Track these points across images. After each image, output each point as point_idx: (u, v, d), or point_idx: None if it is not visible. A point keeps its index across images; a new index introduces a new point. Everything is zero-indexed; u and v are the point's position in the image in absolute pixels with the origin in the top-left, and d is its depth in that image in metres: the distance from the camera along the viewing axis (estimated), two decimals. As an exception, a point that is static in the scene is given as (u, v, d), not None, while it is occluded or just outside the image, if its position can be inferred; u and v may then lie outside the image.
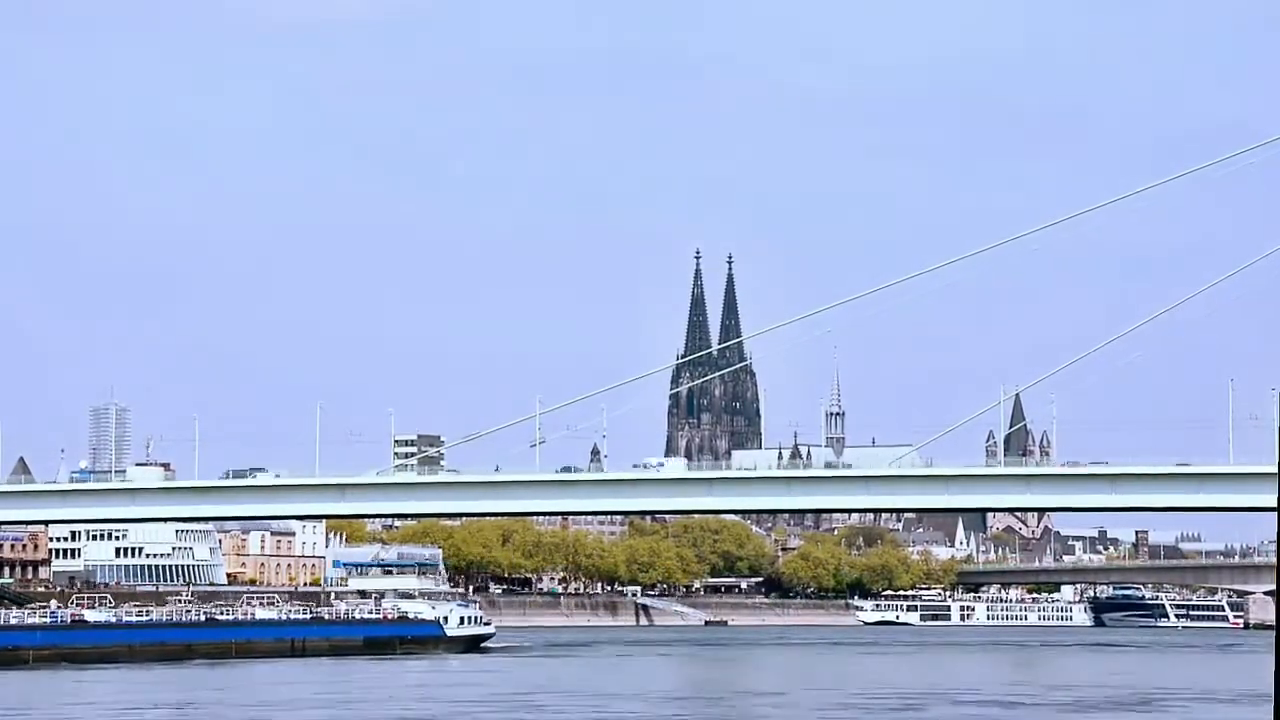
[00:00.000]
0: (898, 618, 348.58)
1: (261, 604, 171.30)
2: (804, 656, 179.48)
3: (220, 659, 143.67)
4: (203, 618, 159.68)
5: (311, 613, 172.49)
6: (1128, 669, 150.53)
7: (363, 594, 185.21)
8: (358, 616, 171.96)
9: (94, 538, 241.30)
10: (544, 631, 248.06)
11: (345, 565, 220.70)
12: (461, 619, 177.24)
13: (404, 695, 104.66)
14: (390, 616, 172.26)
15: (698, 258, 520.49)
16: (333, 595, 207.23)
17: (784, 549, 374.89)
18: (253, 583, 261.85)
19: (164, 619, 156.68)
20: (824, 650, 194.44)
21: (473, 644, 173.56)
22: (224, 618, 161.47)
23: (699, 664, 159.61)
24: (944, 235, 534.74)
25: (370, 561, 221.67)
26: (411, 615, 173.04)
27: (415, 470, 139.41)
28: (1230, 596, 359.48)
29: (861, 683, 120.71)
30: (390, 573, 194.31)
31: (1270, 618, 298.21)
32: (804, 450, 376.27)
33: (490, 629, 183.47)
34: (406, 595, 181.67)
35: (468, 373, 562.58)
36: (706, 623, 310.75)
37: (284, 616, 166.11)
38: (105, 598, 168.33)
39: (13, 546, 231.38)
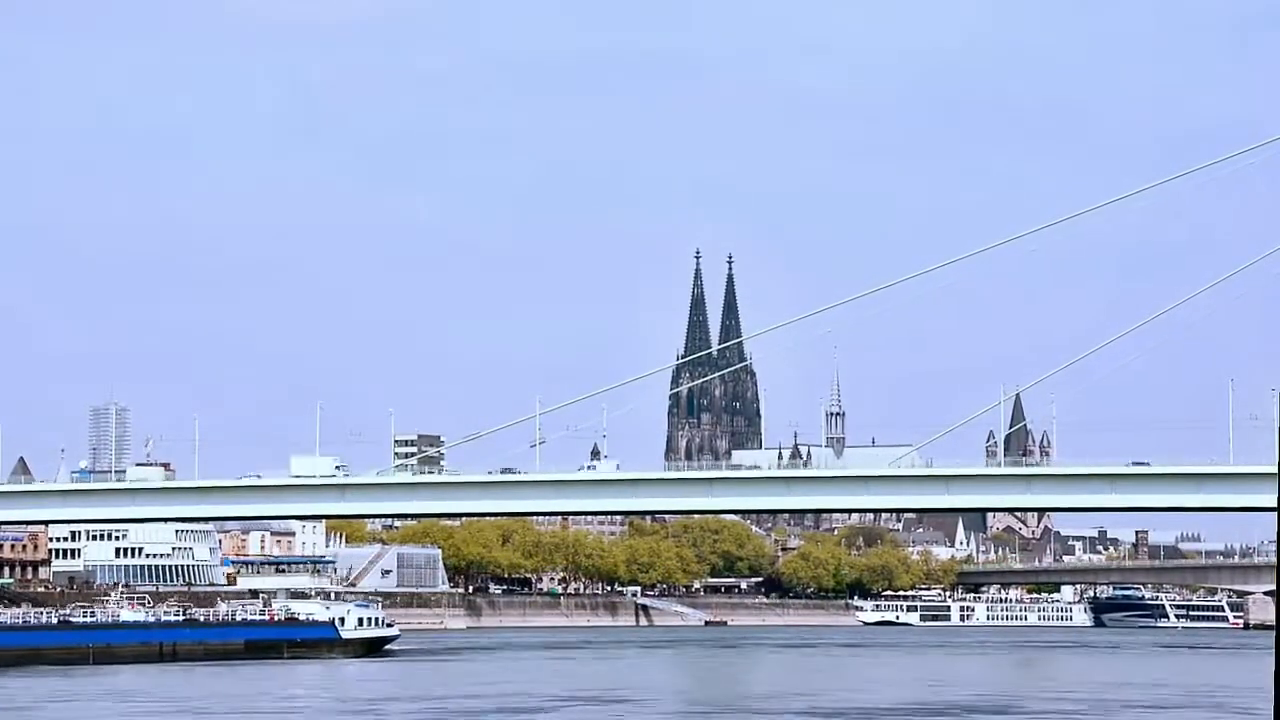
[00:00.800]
0: (898, 618, 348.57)
1: (130, 604, 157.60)
2: (805, 659, 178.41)
3: (74, 665, 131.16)
4: (55, 620, 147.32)
5: (185, 613, 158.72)
6: (1174, 669, 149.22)
7: (254, 594, 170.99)
8: (239, 618, 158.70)
9: (94, 538, 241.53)
10: (496, 633, 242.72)
11: (234, 563, 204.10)
12: (360, 620, 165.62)
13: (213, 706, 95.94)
14: (277, 617, 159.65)
15: (698, 258, 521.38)
16: (219, 596, 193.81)
17: (784, 549, 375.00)
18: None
19: (8, 622, 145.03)
20: (826, 652, 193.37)
21: (372, 647, 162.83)
22: (80, 620, 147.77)
23: (638, 669, 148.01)
24: (944, 235, 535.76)
25: (260, 559, 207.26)
26: (302, 616, 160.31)
27: (415, 470, 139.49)
28: (1230, 596, 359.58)
29: (922, 685, 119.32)
30: (283, 571, 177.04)
31: (1270, 618, 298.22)
32: (804, 450, 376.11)
33: (394, 631, 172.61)
34: (301, 595, 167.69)
35: (468, 373, 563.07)
36: (706, 623, 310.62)
37: (152, 618, 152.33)
38: None
39: (13, 546, 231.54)
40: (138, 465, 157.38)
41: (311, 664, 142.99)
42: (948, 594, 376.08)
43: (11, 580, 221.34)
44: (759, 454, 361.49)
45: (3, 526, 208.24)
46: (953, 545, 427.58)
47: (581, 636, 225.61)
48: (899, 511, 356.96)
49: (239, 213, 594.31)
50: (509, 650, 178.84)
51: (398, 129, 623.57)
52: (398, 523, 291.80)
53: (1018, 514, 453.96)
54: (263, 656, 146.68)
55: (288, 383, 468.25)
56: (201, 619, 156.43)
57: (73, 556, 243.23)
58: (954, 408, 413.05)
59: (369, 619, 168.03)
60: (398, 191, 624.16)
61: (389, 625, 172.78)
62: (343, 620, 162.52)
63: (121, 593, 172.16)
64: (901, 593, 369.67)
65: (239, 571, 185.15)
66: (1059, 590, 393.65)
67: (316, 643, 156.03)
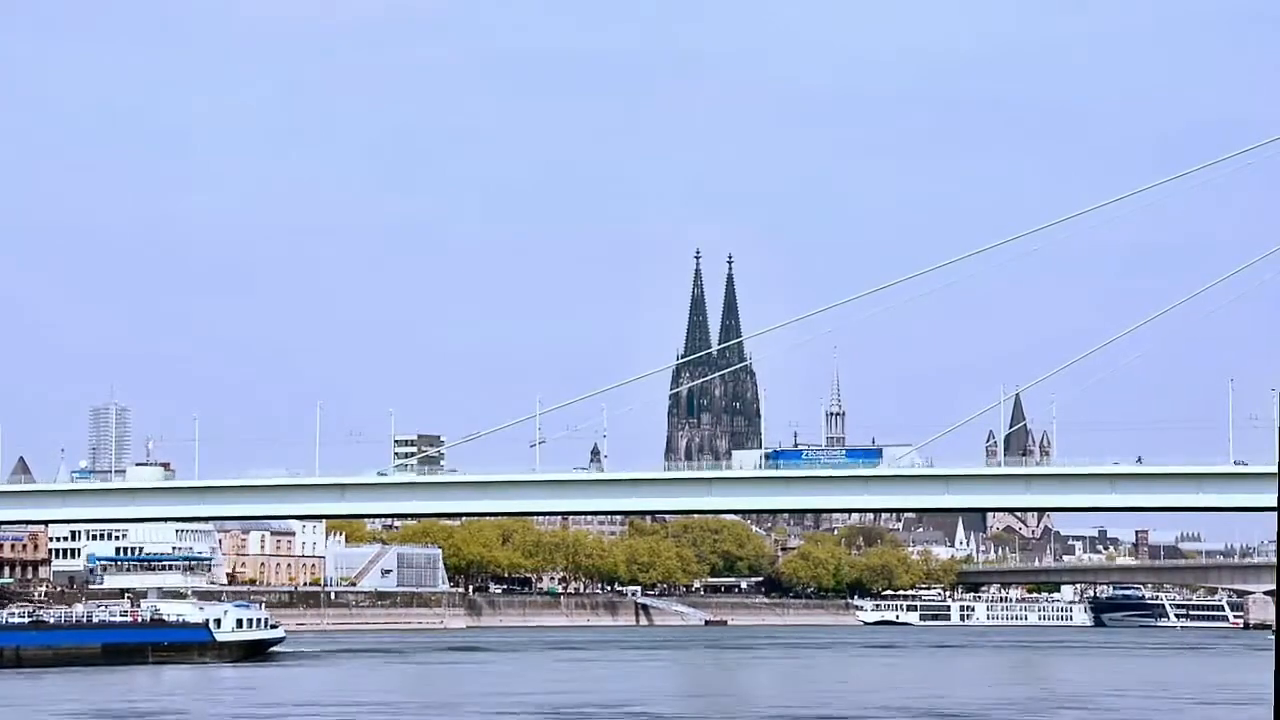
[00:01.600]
0: (898, 618, 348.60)
1: None
2: (843, 659, 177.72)
3: None
4: None
5: (31, 615, 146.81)
6: (1221, 669, 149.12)
7: (124, 593, 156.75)
8: (96, 619, 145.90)
9: (94, 538, 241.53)
10: (422, 635, 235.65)
11: (101, 560, 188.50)
12: (239, 621, 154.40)
13: None
14: (141, 618, 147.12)
15: (698, 258, 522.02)
16: (84, 597, 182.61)
17: (784, 549, 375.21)
18: (252, 582, 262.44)
19: None
20: (861, 653, 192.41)
21: (252, 650, 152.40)
22: None
23: (535, 674, 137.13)
24: (943, 235, 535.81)
25: (129, 556, 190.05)
26: (171, 617, 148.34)
27: (415, 470, 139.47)
28: (1230, 596, 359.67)
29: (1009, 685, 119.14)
30: (153, 568, 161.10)
31: (1270, 618, 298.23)
32: (804, 450, 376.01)
33: (278, 633, 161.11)
34: (175, 595, 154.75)
35: (468, 373, 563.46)
36: (706, 622, 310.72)
37: None
38: None
39: (13, 546, 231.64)
40: (138, 465, 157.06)
41: (176, 669, 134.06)
42: (948, 594, 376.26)
43: (12, 580, 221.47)
44: (759, 454, 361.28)
45: (3, 526, 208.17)
46: (953, 545, 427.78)
47: (537, 638, 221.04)
48: (899, 511, 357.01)
49: (239, 212, 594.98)
50: (407, 654, 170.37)
51: (397, 129, 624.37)
52: (398, 523, 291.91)
53: (1018, 514, 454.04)
54: (123, 661, 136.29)
55: (288, 382, 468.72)
56: (52, 621, 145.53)
57: (73, 556, 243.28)
58: (954, 408, 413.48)
59: (249, 620, 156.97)
60: (397, 191, 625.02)
61: (273, 627, 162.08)
62: (218, 621, 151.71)
63: None
64: (901, 592, 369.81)
65: (106, 569, 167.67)
66: (1059, 590, 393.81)
67: (187, 646, 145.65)
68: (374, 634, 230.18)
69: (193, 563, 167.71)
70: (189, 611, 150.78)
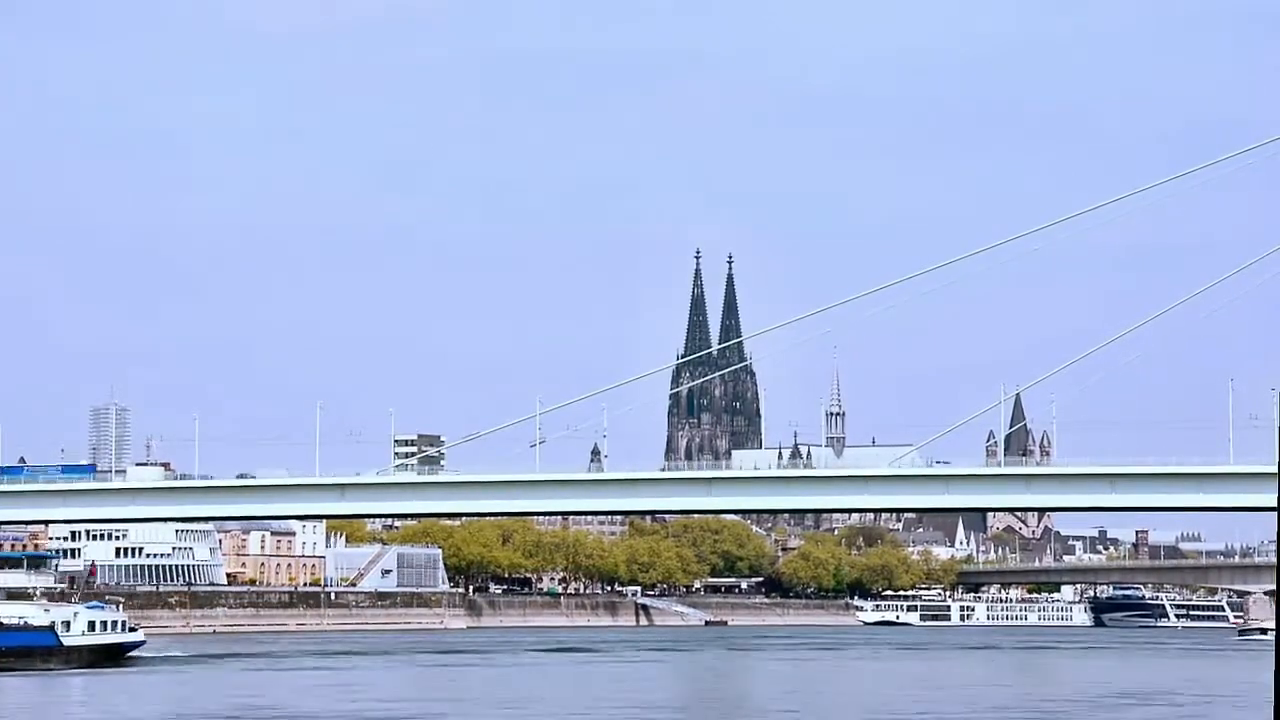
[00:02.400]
0: (898, 618, 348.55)
1: None
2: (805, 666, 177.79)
3: None
4: None
5: None
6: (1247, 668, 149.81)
7: None
8: None
9: (94, 538, 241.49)
10: (366, 635, 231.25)
11: None
12: (91, 624, 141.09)
13: None
14: None
15: (698, 258, 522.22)
16: None
17: (784, 549, 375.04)
18: (252, 583, 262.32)
19: None
20: (884, 654, 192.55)
21: (105, 656, 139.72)
22: None
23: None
24: (944, 235, 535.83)
25: None
26: (11, 620, 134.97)
27: (415, 470, 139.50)
28: (1230, 596, 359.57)
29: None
30: None
31: (1270, 618, 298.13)
32: (804, 450, 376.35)
33: (137, 637, 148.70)
34: (19, 595, 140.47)
35: (468, 373, 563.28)
36: (706, 623, 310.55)
37: None
38: None
39: (13, 546, 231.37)
40: (138, 465, 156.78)
41: (12, 678, 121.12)
42: (948, 594, 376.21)
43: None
44: (759, 454, 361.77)
45: (3, 526, 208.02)
46: (953, 545, 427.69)
47: (456, 639, 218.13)
48: (899, 511, 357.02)
49: (239, 213, 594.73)
50: (276, 659, 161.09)
51: (397, 129, 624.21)
52: (398, 523, 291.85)
53: (1018, 514, 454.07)
54: None
55: (288, 382, 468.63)
56: None
57: (73, 556, 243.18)
58: (954, 408, 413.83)
59: (103, 623, 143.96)
60: (397, 191, 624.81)
61: (131, 630, 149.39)
62: (67, 625, 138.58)
63: None
64: (901, 593, 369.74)
65: None
66: (1059, 590, 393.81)
67: (28, 651, 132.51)
68: (372, 634, 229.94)
69: (38, 560, 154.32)
70: (33, 613, 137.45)
